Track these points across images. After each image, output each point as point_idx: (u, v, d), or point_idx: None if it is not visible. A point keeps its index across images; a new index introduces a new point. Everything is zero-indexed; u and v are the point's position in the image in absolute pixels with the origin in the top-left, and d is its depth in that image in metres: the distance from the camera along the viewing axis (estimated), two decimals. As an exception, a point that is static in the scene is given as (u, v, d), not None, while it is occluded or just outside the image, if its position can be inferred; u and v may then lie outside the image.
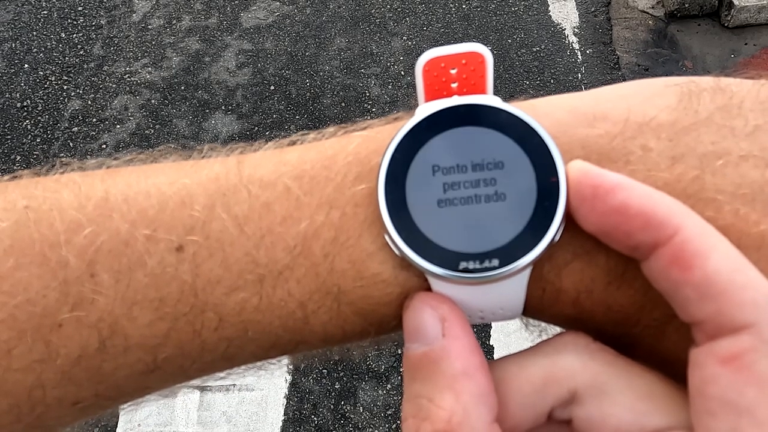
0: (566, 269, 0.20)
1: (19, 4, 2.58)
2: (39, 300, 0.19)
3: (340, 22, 2.48)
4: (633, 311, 0.20)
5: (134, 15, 2.53)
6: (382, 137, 0.21)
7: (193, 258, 0.19)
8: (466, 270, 0.19)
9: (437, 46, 0.21)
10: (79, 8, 2.57)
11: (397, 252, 0.19)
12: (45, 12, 2.56)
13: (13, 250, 0.19)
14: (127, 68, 2.36)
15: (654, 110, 0.20)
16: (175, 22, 2.50)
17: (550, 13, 2.48)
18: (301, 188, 0.20)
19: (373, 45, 2.40)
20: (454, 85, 0.21)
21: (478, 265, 0.19)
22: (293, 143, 0.22)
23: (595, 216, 0.18)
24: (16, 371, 0.19)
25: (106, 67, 2.36)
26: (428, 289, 0.20)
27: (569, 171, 0.19)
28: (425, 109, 0.21)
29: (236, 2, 2.57)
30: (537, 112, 0.20)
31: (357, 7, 2.52)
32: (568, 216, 0.19)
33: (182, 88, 2.30)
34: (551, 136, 0.20)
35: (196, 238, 0.20)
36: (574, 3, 2.51)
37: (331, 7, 2.53)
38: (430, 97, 0.21)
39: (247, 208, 0.20)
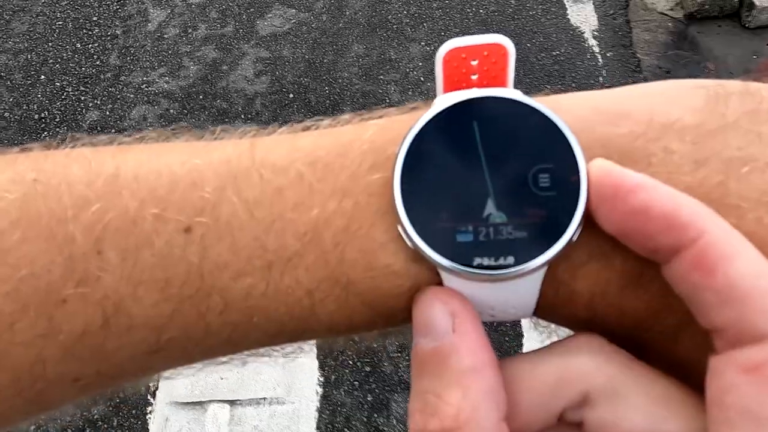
0: (581, 270, 0.19)
1: (34, 15, 2.57)
2: (44, 274, 0.19)
3: (357, 29, 2.46)
4: (647, 316, 0.19)
5: (149, 24, 2.52)
6: (399, 126, 0.20)
7: (201, 240, 0.19)
8: (480, 266, 0.18)
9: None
10: (94, 18, 2.55)
11: (410, 244, 0.19)
12: (60, 23, 2.54)
13: (20, 223, 0.19)
14: (145, 78, 2.34)
15: (679, 112, 0.19)
16: (191, 30, 2.49)
17: (568, 17, 2.46)
18: (314, 175, 0.20)
19: (391, 51, 2.38)
20: (474, 77, 0.20)
21: (492, 262, 0.18)
22: (307, 128, 0.22)
23: (616, 216, 0.18)
24: (18, 345, 0.19)
25: (123, 77, 2.35)
26: (440, 282, 0.19)
27: (591, 169, 0.18)
28: (444, 100, 0.20)
29: (252, 10, 2.55)
30: (559, 107, 0.20)
31: (373, 14, 2.51)
32: (587, 216, 0.18)
33: (200, 97, 2.28)
34: (573, 132, 0.19)
35: (205, 220, 0.19)
36: (593, 6, 2.49)
37: (347, 13, 2.52)
38: (449, 87, 0.20)
39: (259, 193, 0.20)
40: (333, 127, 0.22)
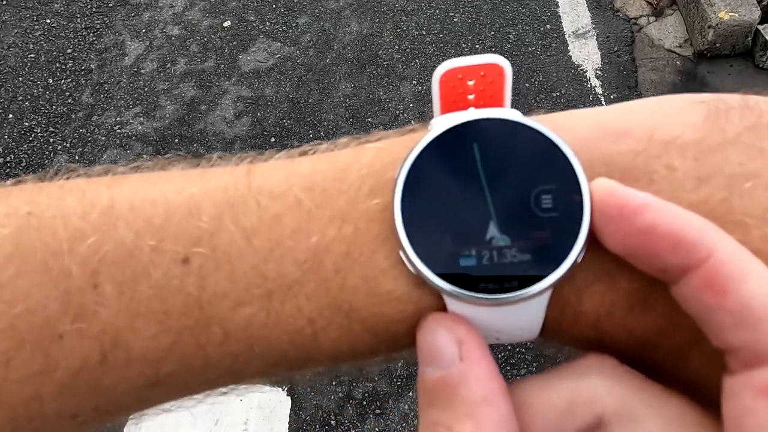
0: (587, 291, 0.19)
1: (5, 47, 2.43)
2: (40, 310, 0.18)
3: (345, 65, 2.32)
4: (654, 335, 0.19)
5: (126, 58, 2.38)
6: (398, 149, 0.20)
7: (199, 270, 0.19)
8: (484, 291, 0.18)
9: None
10: (68, 51, 2.42)
11: (412, 270, 0.19)
12: (32, 55, 2.41)
13: (15, 257, 0.19)
14: (118, 118, 2.20)
15: (679, 128, 0.19)
16: (169, 65, 2.35)
17: (570, 54, 2.31)
18: (313, 200, 0.20)
19: (381, 90, 2.24)
20: (470, 97, 0.20)
21: (497, 286, 0.18)
22: (304, 153, 0.22)
23: (622, 237, 0.18)
24: (14, 382, 0.18)
25: (95, 117, 2.21)
26: (443, 308, 0.19)
27: (593, 189, 0.18)
28: (442, 121, 0.20)
29: (234, 43, 2.41)
30: (558, 126, 0.20)
31: (363, 48, 2.36)
32: (591, 236, 0.18)
33: (176, 140, 2.14)
34: (573, 152, 0.19)
35: (202, 249, 0.19)
36: (596, 42, 2.34)
37: (336, 48, 2.37)
38: (446, 108, 0.21)
39: (256, 220, 0.19)
40: (330, 151, 0.22)
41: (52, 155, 2.12)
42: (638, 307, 0.19)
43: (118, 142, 2.14)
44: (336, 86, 2.26)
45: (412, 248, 0.18)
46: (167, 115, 2.20)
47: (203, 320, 0.19)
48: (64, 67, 2.37)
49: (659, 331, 0.19)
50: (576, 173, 0.18)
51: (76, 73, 2.35)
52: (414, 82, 2.25)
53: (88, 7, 2.56)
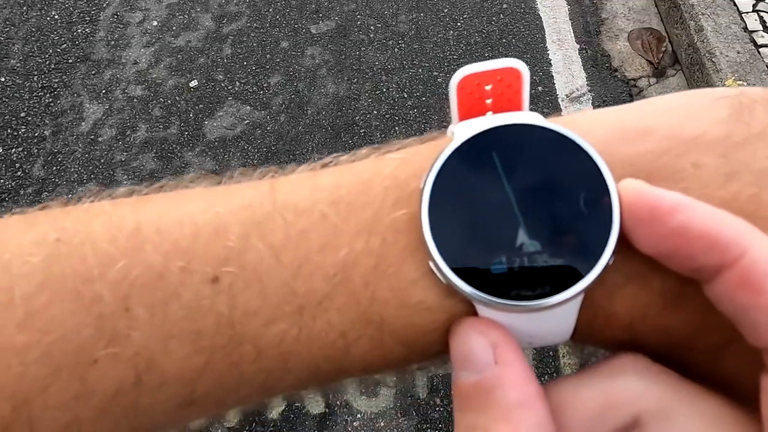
0: (619, 294, 0.19)
1: (-46, 110, 2.26)
2: (74, 337, 0.19)
3: (318, 133, 2.13)
4: (688, 335, 0.19)
5: (83, 124, 2.20)
6: (420, 159, 0.20)
7: (229, 289, 0.19)
8: (517, 297, 0.18)
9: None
10: (22, 114, 2.24)
11: (443, 279, 0.19)
12: (-18, 120, 2.23)
13: (46, 286, 0.19)
14: (70, 195, 2.02)
15: (704, 124, 0.19)
16: (129, 132, 2.17)
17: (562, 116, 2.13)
18: (338, 215, 0.20)
19: (356, 164, 2.06)
20: (488, 102, 0.20)
21: (529, 293, 0.18)
22: (326, 165, 0.22)
23: (654, 238, 0.17)
24: (52, 409, 0.19)
25: (45, 194, 2.03)
26: (475, 314, 0.19)
27: (622, 191, 0.18)
28: (464, 129, 0.20)
29: (200, 106, 2.23)
30: (579, 128, 0.20)
31: (339, 114, 2.18)
32: (622, 238, 0.18)
33: (131, 223, 1.96)
34: (598, 153, 0.19)
35: (231, 269, 0.19)
36: (591, 107, 2.15)
37: (310, 113, 2.19)
38: (465, 114, 0.21)
39: (283, 237, 0.20)
40: (351, 162, 0.22)
41: (-5, 239, 1.94)
42: (672, 307, 0.18)
43: (68, 224, 1.97)
44: (308, 158, 2.07)
45: (442, 258, 0.18)
46: (122, 195, 2.02)
47: (236, 339, 0.19)
48: (16, 133, 2.19)
49: (694, 330, 0.19)
50: (603, 175, 0.18)
51: (29, 140, 2.17)
52: (393, 153, 2.07)
53: (47, 63, 2.38)
